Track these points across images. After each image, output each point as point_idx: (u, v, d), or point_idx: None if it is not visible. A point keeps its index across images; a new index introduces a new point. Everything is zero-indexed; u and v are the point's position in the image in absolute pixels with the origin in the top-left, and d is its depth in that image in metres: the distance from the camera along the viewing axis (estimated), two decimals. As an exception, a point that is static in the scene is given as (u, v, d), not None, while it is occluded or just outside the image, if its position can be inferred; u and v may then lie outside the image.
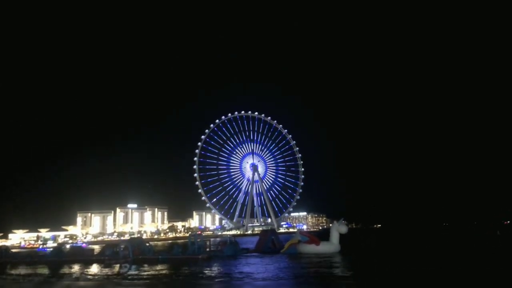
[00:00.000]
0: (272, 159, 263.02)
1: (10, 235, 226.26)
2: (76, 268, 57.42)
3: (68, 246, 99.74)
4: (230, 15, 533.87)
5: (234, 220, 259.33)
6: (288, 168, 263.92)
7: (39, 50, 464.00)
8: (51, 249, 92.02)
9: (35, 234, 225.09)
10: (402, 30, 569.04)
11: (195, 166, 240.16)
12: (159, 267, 53.15)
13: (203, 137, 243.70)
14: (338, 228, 65.58)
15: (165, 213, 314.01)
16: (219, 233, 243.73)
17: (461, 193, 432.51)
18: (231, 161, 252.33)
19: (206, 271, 46.18)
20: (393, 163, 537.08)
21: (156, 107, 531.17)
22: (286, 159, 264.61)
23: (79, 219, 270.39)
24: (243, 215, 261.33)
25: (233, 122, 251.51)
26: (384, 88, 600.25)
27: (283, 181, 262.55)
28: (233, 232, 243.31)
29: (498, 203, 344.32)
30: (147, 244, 76.33)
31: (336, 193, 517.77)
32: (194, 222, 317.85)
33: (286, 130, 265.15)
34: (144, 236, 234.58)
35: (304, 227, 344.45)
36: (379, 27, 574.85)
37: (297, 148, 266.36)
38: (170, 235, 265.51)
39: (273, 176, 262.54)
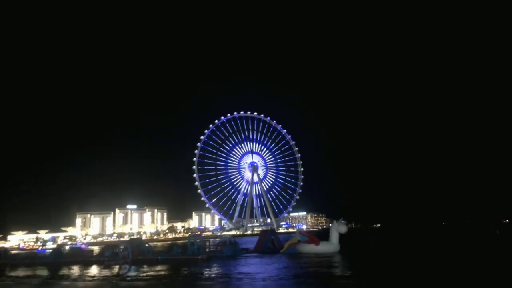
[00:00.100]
0: (272, 159, 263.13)
1: (9, 237, 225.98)
2: (75, 269, 57.31)
3: (67, 247, 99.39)
4: (230, 15, 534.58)
5: (234, 220, 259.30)
6: (287, 168, 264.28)
7: (39, 50, 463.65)
8: (51, 250, 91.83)
9: (34, 236, 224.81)
10: (401, 28, 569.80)
11: (194, 167, 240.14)
12: (158, 267, 53.07)
13: (202, 137, 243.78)
14: (338, 228, 65.54)
15: (165, 214, 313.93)
16: (219, 234, 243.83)
17: (460, 193, 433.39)
18: (230, 161, 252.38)
19: (206, 272, 46.14)
20: (392, 163, 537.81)
21: (155, 107, 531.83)
22: (285, 159, 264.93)
23: (78, 220, 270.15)
24: (242, 216, 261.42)
25: (232, 122, 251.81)
26: (383, 88, 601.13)
27: (282, 181, 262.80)
28: (233, 232, 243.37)
29: (497, 203, 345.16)
30: (147, 245, 76.20)
31: (335, 193, 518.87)
32: (193, 222, 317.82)
33: (285, 130, 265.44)
34: (144, 237, 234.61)
35: (304, 227, 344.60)
36: (379, 27, 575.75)
37: (297, 148, 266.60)
38: (170, 235, 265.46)
39: (273, 177, 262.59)
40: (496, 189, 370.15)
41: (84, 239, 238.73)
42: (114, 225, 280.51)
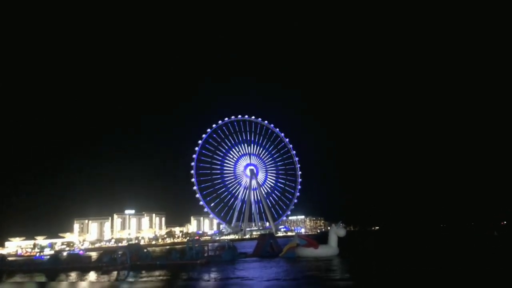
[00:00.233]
0: (270, 163, 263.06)
1: (6, 243, 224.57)
2: (73, 275, 57.03)
3: (65, 253, 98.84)
4: (230, 15, 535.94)
5: (232, 224, 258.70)
6: (286, 172, 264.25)
7: (40, 51, 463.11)
8: (48, 256, 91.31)
9: (31, 242, 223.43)
10: (401, 27, 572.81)
11: (192, 171, 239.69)
12: (157, 273, 52.91)
13: (200, 141, 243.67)
14: (337, 231, 65.59)
15: (163, 219, 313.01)
16: (217, 238, 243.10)
17: (458, 194, 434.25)
18: (228, 165, 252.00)
19: (205, 276, 46.03)
20: (391, 166, 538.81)
21: (155, 107, 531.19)
22: (284, 162, 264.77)
23: (76, 226, 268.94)
24: (241, 220, 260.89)
25: (229, 126, 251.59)
26: (383, 90, 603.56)
27: (281, 185, 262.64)
28: (231, 236, 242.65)
29: (494, 204, 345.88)
30: (145, 250, 75.99)
31: (334, 196, 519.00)
32: (192, 227, 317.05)
33: (283, 134, 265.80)
34: (142, 242, 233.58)
35: (302, 230, 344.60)
36: (378, 27, 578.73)
37: (294, 152, 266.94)
38: (168, 240, 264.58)
39: (271, 181, 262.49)
40: (494, 191, 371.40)
41: (82, 245, 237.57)
42: (112, 231, 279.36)
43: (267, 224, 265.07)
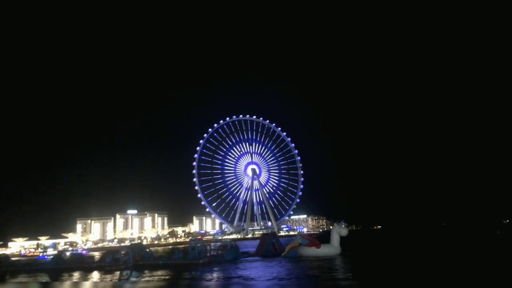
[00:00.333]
0: (272, 162, 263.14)
1: (10, 244, 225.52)
2: (76, 275, 57.29)
3: (68, 253, 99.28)
4: (230, 16, 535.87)
5: (234, 224, 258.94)
6: (288, 171, 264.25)
7: (40, 52, 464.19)
8: (51, 256, 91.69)
9: (35, 242, 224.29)
10: (400, 24, 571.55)
11: (194, 171, 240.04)
12: (160, 272, 53.08)
13: (202, 141, 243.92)
14: (339, 231, 65.62)
15: (165, 219, 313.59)
16: (220, 238, 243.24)
17: (460, 193, 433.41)
18: (230, 165, 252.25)
19: (207, 276, 46.18)
20: (392, 165, 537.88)
21: (155, 112, 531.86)
22: (285, 162, 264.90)
23: (79, 226, 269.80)
24: (243, 219, 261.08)
25: (231, 126, 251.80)
26: (384, 91, 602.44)
27: (283, 184, 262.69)
28: (234, 236, 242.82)
29: (496, 203, 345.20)
30: (148, 250, 76.23)
31: (336, 195, 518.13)
32: (194, 227, 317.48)
33: (284, 133, 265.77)
34: (145, 242, 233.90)
35: (305, 229, 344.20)
36: (378, 26, 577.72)
37: (296, 151, 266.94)
38: (171, 240, 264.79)
39: (273, 180, 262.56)
40: (496, 190, 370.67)
41: (85, 245, 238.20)
42: (114, 231, 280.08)
43: (269, 223, 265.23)
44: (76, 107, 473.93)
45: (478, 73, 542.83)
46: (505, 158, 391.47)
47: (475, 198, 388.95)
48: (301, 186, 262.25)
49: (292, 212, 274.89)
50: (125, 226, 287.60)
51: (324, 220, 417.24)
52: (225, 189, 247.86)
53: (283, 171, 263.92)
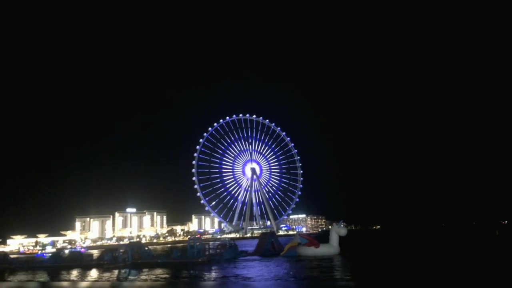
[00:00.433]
0: (272, 161, 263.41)
1: (8, 241, 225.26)
2: (75, 273, 57.23)
3: (67, 251, 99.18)
4: (230, 16, 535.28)
5: (233, 223, 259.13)
6: (287, 171, 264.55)
7: (40, 52, 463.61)
8: (50, 254, 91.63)
9: (33, 240, 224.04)
10: (399, 24, 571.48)
11: (193, 170, 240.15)
12: (158, 271, 53.02)
13: (201, 140, 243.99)
14: (338, 230, 65.58)
15: (164, 217, 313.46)
16: (218, 237, 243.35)
17: (459, 194, 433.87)
18: (229, 164, 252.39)
19: (206, 275, 46.14)
20: (392, 165, 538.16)
21: (155, 112, 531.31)
22: (285, 161, 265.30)
23: (77, 224, 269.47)
24: (242, 218, 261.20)
25: (231, 125, 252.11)
26: (384, 91, 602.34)
27: (282, 183, 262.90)
28: (232, 235, 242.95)
29: (495, 203, 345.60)
30: (146, 249, 76.14)
31: (335, 195, 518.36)
32: (193, 225, 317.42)
33: (284, 133, 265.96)
34: (143, 240, 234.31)
35: (304, 229, 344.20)
36: (378, 26, 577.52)
37: (296, 151, 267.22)
38: (169, 239, 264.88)
39: (273, 179, 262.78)
40: (495, 190, 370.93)
41: (84, 243, 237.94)
42: (113, 229, 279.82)
43: (268, 222, 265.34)
44: (76, 107, 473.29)
45: (477, 73, 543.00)
46: (504, 159, 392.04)
47: (474, 199, 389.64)
48: (301, 186, 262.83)
49: (291, 212, 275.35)
50: (124, 225, 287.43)
51: (323, 220, 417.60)
52: (224, 188, 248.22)
53: (283, 170, 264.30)
